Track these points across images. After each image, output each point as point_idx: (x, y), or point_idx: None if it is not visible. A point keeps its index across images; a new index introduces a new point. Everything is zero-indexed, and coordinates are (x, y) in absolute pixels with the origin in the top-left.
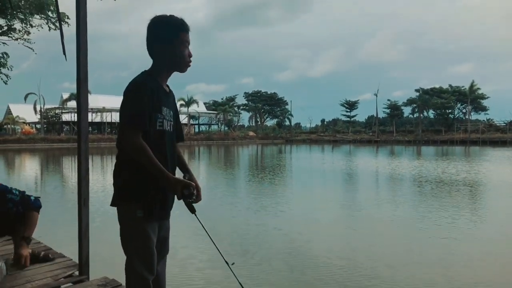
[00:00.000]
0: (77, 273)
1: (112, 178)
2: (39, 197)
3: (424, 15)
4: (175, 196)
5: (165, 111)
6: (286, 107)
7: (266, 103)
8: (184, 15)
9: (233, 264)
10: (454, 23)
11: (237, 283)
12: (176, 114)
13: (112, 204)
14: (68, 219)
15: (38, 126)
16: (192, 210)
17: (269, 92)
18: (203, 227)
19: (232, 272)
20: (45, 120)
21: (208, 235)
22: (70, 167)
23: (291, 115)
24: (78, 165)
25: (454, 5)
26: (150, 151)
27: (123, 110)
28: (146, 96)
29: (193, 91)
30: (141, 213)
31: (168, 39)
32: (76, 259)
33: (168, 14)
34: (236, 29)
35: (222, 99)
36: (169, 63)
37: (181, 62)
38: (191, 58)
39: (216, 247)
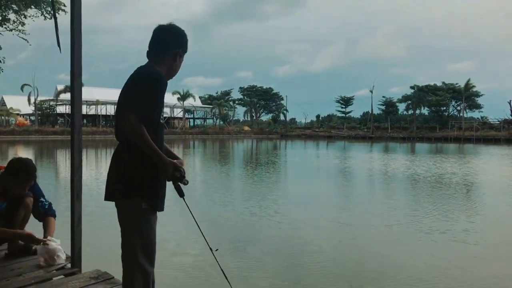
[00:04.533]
0: (69, 265)
1: (111, 173)
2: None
3: (425, 12)
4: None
5: (163, 106)
6: (282, 102)
7: (262, 98)
8: (180, 8)
9: (216, 250)
10: (455, 21)
11: (219, 270)
12: None
13: (111, 199)
14: (60, 212)
15: (32, 118)
16: (181, 194)
17: (264, 87)
18: (190, 211)
19: (215, 257)
20: (39, 112)
21: (194, 219)
22: (63, 160)
23: (286, 110)
24: (71, 158)
25: (455, 3)
26: (149, 137)
27: (138, 97)
28: (162, 95)
29: (190, 84)
30: (146, 205)
31: (183, 51)
32: (68, 251)
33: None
34: (233, 22)
35: (216, 93)
36: (170, 67)
37: (174, 73)
38: None
39: (201, 232)
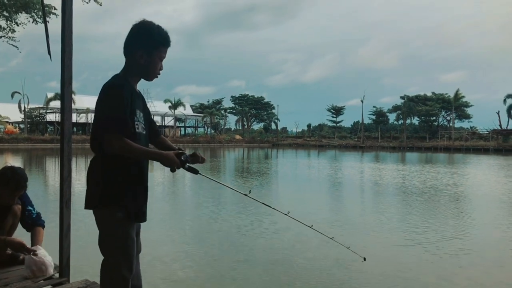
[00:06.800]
0: (57, 275)
1: (88, 182)
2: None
3: (417, 22)
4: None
5: (138, 113)
6: (273, 111)
7: (253, 107)
8: (172, 17)
9: (250, 192)
10: (446, 31)
11: None
12: (148, 115)
13: (89, 207)
14: (49, 220)
15: (22, 125)
16: (195, 172)
17: (256, 96)
18: (211, 178)
19: (253, 198)
20: (29, 120)
21: (218, 181)
22: (53, 168)
23: (277, 119)
24: (60, 166)
25: (447, 14)
26: (135, 144)
27: (103, 114)
28: (126, 100)
29: (182, 93)
30: (122, 214)
31: (147, 49)
32: (56, 261)
33: (156, 24)
34: (226, 32)
35: (208, 101)
36: (140, 69)
37: (151, 73)
38: (160, 71)
39: (230, 187)
